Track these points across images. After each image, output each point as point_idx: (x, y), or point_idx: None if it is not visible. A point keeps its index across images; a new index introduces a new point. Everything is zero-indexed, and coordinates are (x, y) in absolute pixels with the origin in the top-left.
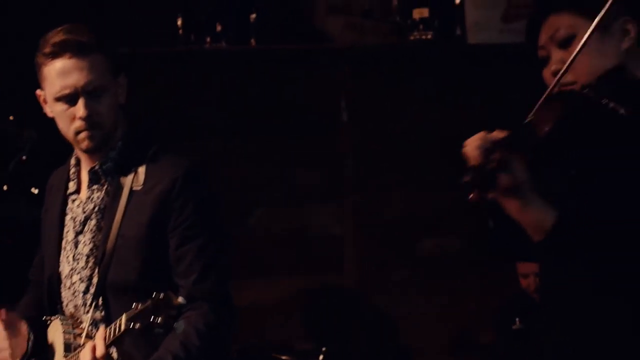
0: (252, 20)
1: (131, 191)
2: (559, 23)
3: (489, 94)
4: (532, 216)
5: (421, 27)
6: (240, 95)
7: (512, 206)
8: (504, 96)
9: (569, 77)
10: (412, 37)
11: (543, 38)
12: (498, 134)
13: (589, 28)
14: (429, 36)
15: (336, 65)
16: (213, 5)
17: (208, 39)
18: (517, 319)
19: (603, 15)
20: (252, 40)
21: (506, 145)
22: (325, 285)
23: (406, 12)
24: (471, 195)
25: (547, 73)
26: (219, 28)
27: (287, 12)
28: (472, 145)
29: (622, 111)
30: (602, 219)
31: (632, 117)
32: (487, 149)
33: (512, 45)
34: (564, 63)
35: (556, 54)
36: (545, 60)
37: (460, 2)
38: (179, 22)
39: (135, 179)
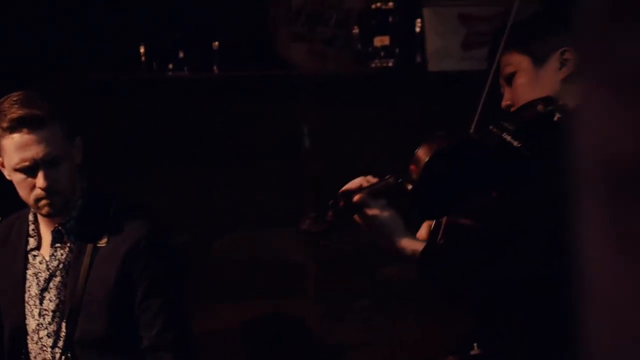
0: (214, 47)
1: (95, 248)
2: (507, 61)
3: (450, 120)
4: (399, 251)
5: (382, 54)
6: (203, 121)
7: (379, 241)
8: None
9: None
10: (373, 65)
11: (500, 77)
12: (370, 180)
13: (528, 63)
14: (390, 64)
15: (299, 92)
16: (176, 33)
17: (170, 66)
18: (475, 345)
19: (539, 48)
20: (215, 68)
21: (363, 190)
22: (287, 311)
23: (368, 40)
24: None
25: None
26: (181, 55)
27: (250, 40)
28: (348, 185)
29: (516, 144)
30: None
31: (527, 151)
32: (351, 191)
33: (472, 73)
34: (510, 100)
35: (506, 92)
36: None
37: (421, 30)
38: (142, 50)
39: (99, 236)
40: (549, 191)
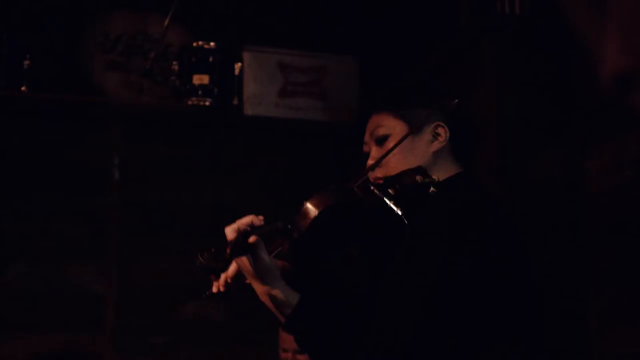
0: (25, 66)
1: None
2: (379, 122)
3: (262, 164)
4: (273, 303)
5: (200, 93)
6: (5, 142)
7: (256, 288)
8: (276, 168)
9: (378, 173)
10: (190, 102)
11: (367, 135)
12: (254, 221)
13: (402, 129)
14: (207, 103)
15: (111, 121)
16: None
17: None
18: None
19: (415, 118)
20: (24, 87)
21: (255, 230)
22: (81, 345)
23: (187, 76)
24: (211, 277)
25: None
26: None
27: (63, 63)
28: (230, 227)
29: (397, 211)
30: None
31: (405, 219)
32: (240, 233)
33: (286, 120)
34: (375, 159)
35: (373, 151)
36: (367, 155)
37: (240, 73)
38: None
39: None
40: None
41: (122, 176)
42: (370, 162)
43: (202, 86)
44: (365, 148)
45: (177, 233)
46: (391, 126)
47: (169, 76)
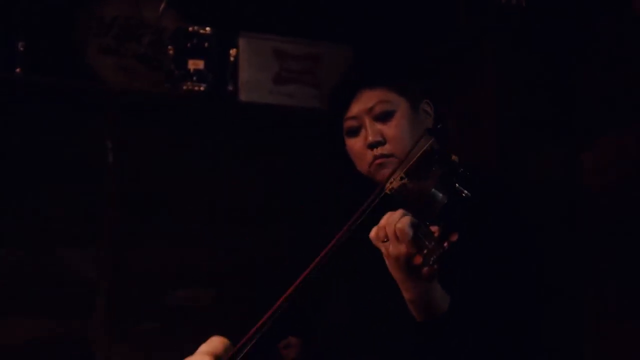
0: (20, 48)
1: None
2: (376, 98)
3: (255, 150)
4: (434, 301)
5: (195, 78)
6: (1, 124)
7: (408, 288)
8: (269, 154)
9: (387, 149)
10: (185, 87)
11: (355, 110)
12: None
13: (406, 106)
14: (202, 88)
15: (105, 106)
16: None
17: None
18: None
19: (413, 95)
20: (18, 69)
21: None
22: (73, 330)
23: (181, 61)
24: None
25: (357, 143)
26: None
27: (59, 46)
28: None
29: (465, 193)
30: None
31: (474, 199)
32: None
33: (280, 107)
34: (383, 136)
35: (373, 127)
36: (354, 131)
37: (235, 59)
38: None
39: None
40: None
41: (115, 160)
42: (373, 139)
43: (196, 71)
44: (353, 123)
45: (170, 218)
46: (396, 102)
47: (164, 61)
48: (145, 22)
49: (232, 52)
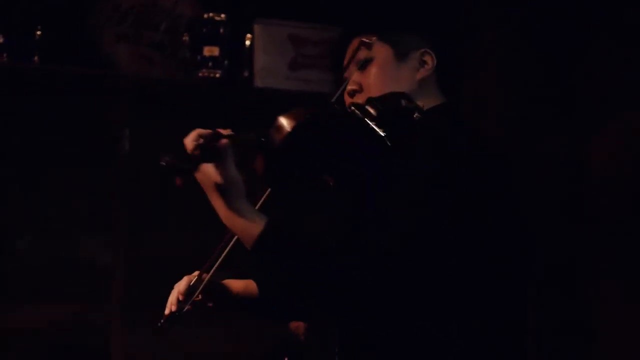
0: (37, 36)
1: None
2: (357, 45)
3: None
4: (238, 222)
5: (210, 64)
6: (18, 113)
7: (218, 207)
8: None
9: (359, 99)
10: (200, 74)
11: (346, 59)
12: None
13: (387, 54)
14: (218, 75)
15: (121, 93)
16: None
17: None
18: (285, 358)
19: (402, 43)
20: (36, 58)
21: (227, 137)
22: (89, 317)
23: (197, 48)
24: (177, 181)
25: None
26: (1, 40)
27: (75, 35)
28: (192, 135)
29: (380, 132)
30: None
31: (390, 141)
32: (204, 137)
33: (296, 93)
34: (359, 85)
35: (355, 76)
36: (347, 81)
37: (251, 45)
38: None
39: None
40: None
41: (132, 148)
42: (351, 87)
43: (212, 58)
44: (346, 74)
45: (186, 205)
46: (376, 49)
47: (179, 48)
48: (161, 10)
49: (248, 38)
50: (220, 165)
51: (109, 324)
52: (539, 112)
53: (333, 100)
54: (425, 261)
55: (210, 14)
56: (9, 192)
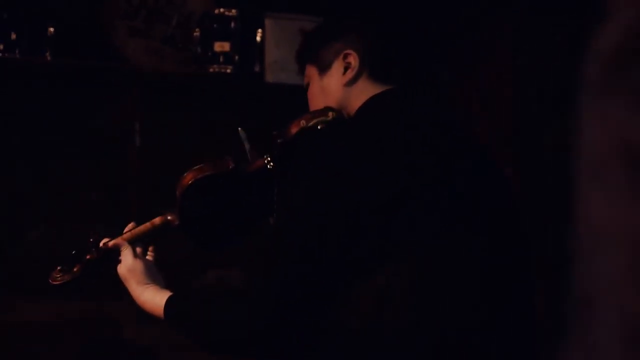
0: (49, 32)
1: None
2: (306, 72)
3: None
4: (146, 305)
5: (221, 60)
6: (30, 109)
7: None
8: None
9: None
10: (211, 69)
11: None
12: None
13: (314, 73)
14: (228, 70)
15: (133, 88)
16: (8, 13)
17: (1, 47)
18: None
19: (324, 56)
20: (48, 54)
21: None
22: (102, 312)
23: (208, 43)
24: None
25: None
26: (13, 37)
27: (86, 30)
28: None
29: (270, 166)
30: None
31: (276, 169)
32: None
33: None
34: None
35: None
36: None
37: (262, 40)
38: None
39: None
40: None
41: (143, 142)
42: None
43: (223, 53)
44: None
45: None
46: (309, 74)
47: (191, 43)
48: (172, 4)
49: (259, 33)
50: (120, 262)
51: (122, 320)
52: (555, 84)
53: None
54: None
55: (221, 9)
56: (23, 185)
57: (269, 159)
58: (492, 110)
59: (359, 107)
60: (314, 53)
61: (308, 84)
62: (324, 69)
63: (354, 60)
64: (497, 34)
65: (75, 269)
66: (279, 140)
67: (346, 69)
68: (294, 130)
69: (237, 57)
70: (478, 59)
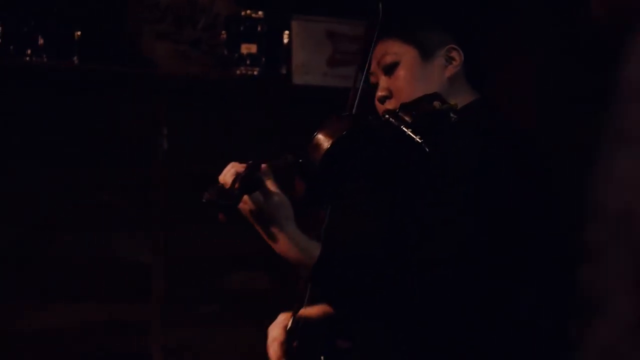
0: (76, 37)
1: None
2: (386, 49)
3: (310, 133)
4: (292, 251)
5: (248, 62)
6: (57, 114)
7: (268, 235)
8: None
9: (390, 105)
10: (238, 72)
11: (373, 64)
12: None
13: (412, 55)
14: (255, 72)
15: (159, 91)
16: (36, 17)
17: (29, 52)
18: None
19: (426, 42)
20: (75, 58)
21: (257, 166)
22: (129, 315)
23: (234, 46)
24: (220, 216)
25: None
26: (41, 42)
27: (113, 34)
28: (227, 169)
29: (417, 139)
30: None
31: (428, 147)
32: (243, 170)
33: (335, 89)
34: (389, 90)
35: (382, 81)
36: (376, 87)
37: (288, 42)
38: None
39: None
40: (450, 191)
41: (170, 146)
42: (380, 93)
43: (250, 55)
44: (373, 79)
45: None
46: (400, 52)
47: (217, 46)
48: (199, 7)
49: (285, 35)
50: (264, 193)
51: (149, 324)
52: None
53: (370, 116)
54: (473, 271)
55: (248, 12)
56: (49, 190)
57: (409, 130)
58: (515, 108)
59: (468, 106)
60: (410, 32)
61: (395, 63)
62: (427, 54)
63: (458, 57)
64: (521, 35)
65: (234, 190)
66: (413, 113)
67: (448, 62)
68: (426, 108)
69: (263, 60)
70: (501, 57)
